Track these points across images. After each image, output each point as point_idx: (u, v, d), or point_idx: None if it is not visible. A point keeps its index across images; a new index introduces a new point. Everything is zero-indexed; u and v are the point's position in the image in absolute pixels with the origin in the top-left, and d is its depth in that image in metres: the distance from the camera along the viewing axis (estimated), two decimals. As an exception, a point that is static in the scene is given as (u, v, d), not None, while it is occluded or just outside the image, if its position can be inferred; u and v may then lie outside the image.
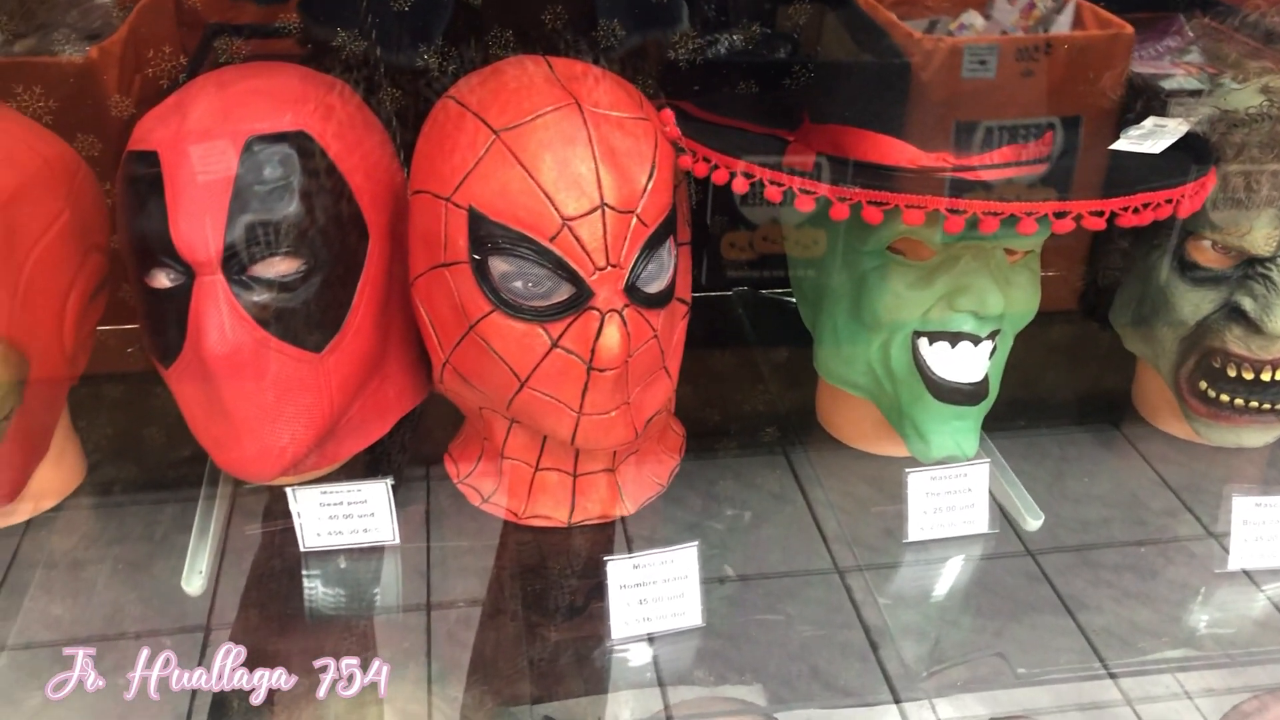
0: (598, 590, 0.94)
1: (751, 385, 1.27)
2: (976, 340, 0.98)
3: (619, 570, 0.89)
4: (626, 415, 0.94)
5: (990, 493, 1.05)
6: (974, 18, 1.20)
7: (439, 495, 1.06)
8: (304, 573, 0.99)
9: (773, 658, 0.93)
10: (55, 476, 1.02)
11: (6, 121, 0.92)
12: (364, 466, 1.07)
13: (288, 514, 0.98)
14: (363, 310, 0.94)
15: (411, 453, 1.08)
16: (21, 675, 0.91)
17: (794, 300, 1.15)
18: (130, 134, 0.91)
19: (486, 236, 0.88)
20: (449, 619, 0.98)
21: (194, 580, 0.96)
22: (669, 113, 0.95)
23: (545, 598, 0.99)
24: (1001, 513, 1.08)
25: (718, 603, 0.97)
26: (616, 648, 0.92)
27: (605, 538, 1.04)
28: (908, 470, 1.02)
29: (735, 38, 1.25)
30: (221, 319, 0.87)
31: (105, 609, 0.97)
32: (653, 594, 0.90)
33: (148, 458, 1.12)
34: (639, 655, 0.92)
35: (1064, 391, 1.32)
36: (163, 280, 0.89)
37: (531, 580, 1.00)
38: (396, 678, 0.98)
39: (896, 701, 0.91)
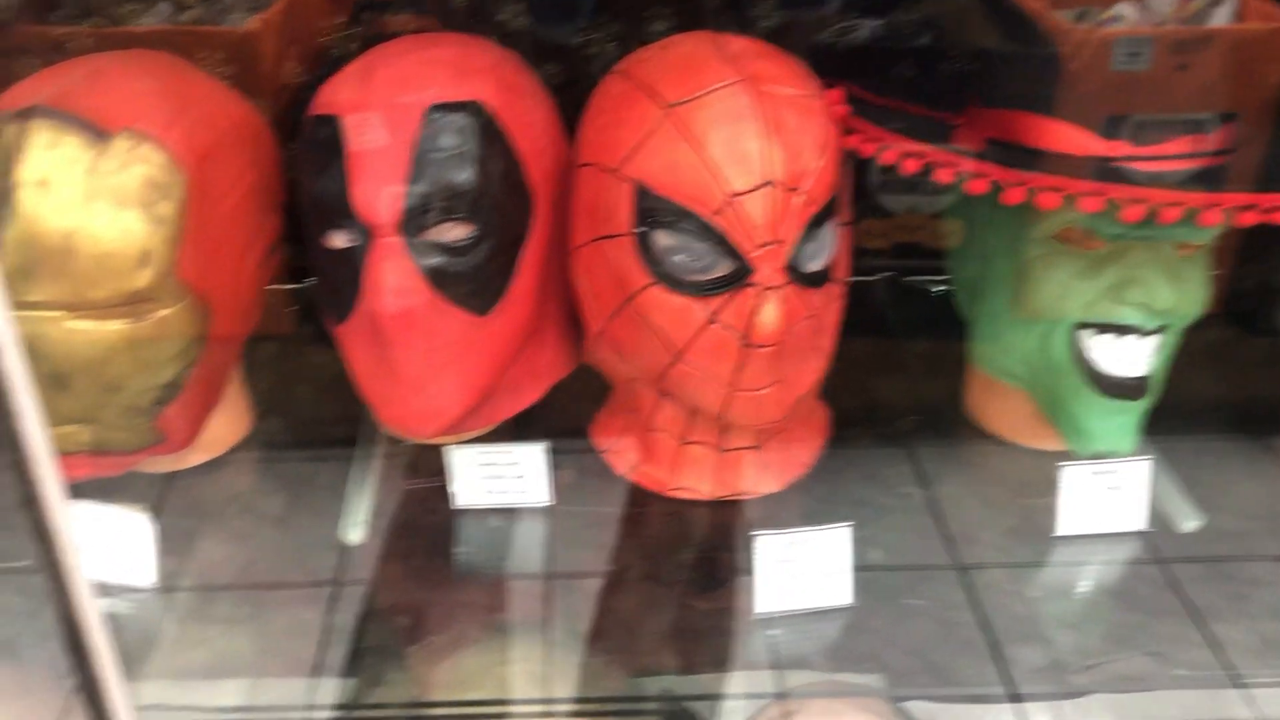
0: (736, 565, 0.95)
1: (891, 374, 1.26)
2: (1143, 333, 0.96)
3: (769, 546, 0.90)
4: (778, 393, 0.94)
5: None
6: (1126, 8, 1.16)
7: (586, 463, 1.08)
8: (454, 530, 1.02)
9: (897, 648, 0.93)
10: (225, 427, 1.08)
11: (203, 84, 0.97)
12: (511, 431, 1.10)
13: (441, 472, 1.02)
14: (525, 276, 0.97)
15: (561, 420, 1.10)
16: (180, 615, 0.97)
17: (937, 289, 1.14)
18: (297, 100, 0.96)
19: (651, 210, 0.89)
20: (587, 585, 1.00)
21: (353, 531, 1.00)
22: (838, 91, 0.95)
23: (684, 569, 1.00)
24: (1153, 513, 1.05)
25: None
26: (753, 625, 0.93)
27: (741, 514, 1.05)
28: (1062, 464, 0.99)
29: (881, 22, 1.24)
30: (395, 280, 0.90)
31: (262, 555, 1.02)
32: (801, 571, 0.91)
33: (305, 415, 1.18)
34: (772, 634, 0.93)
35: (1208, 397, 1.28)
36: (340, 241, 0.93)
37: (670, 551, 1.02)
38: (529, 639, 1.01)
39: (1018, 700, 0.90)
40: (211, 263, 0.94)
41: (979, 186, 0.89)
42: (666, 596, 0.97)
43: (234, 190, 0.95)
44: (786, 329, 0.90)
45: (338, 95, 0.92)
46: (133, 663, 0.78)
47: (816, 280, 0.93)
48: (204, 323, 0.94)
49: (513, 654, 1.04)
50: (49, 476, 0.59)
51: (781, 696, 0.91)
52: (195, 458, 1.06)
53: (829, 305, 0.97)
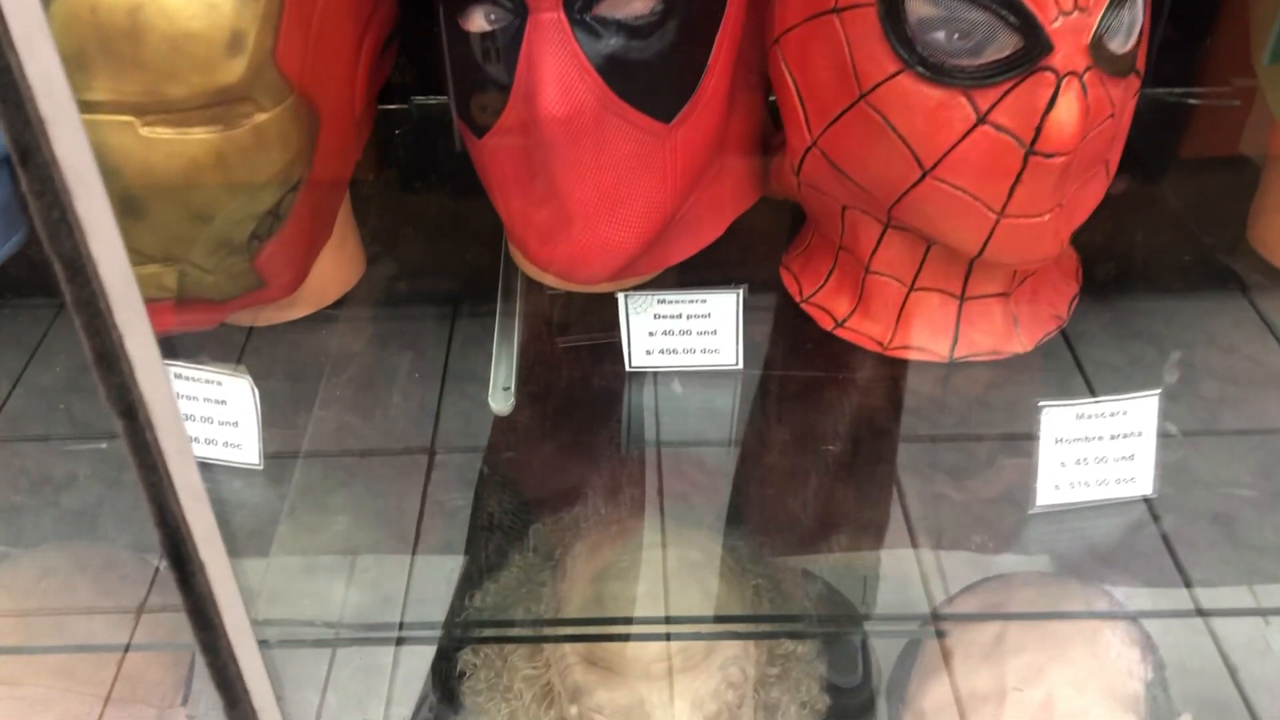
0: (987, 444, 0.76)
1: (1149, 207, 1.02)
2: None
3: (1055, 419, 0.69)
4: (1058, 221, 0.71)
5: None
6: None
7: (780, 315, 0.87)
8: (624, 394, 0.83)
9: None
10: (336, 269, 0.88)
11: None
12: (675, 277, 0.90)
13: (603, 328, 0.82)
14: (717, 73, 0.74)
15: (743, 262, 0.89)
16: (294, 480, 0.81)
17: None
18: None
19: (905, -33, 0.66)
20: (780, 461, 0.81)
21: (501, 398, 0.81)
22: None
23: (900, 445, 0.81)
24: None
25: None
26: (1027, 521, 0.73)
27: (982, 380, 0.84)
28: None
29: None
30: (562, 69, 0.68)
31: (388, 419, 0.84)
32: (1092, 452, 0.70)
33: (423, 258, 0.98)
34: (1050, 532, 0.73)
35: None
36: (481, 22, 0.71)
37: (889, 423, 0.82)
38: (690, 521, 0.83)
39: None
40: (319, 53, 0.72)
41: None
42: (896, 481, 0.78)
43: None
44: (1085, 131, 0.67)
45: None
46: (237, 540, 0.62)
47: (1123, 66, 0.69)
48: (311, 132, 0.73)
49: (674, 539, 0.88)
50: (136, 323, 0.40)
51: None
52: (303, 306, 0.87)
53: (1127, 103, 0.73)
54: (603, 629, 0.82)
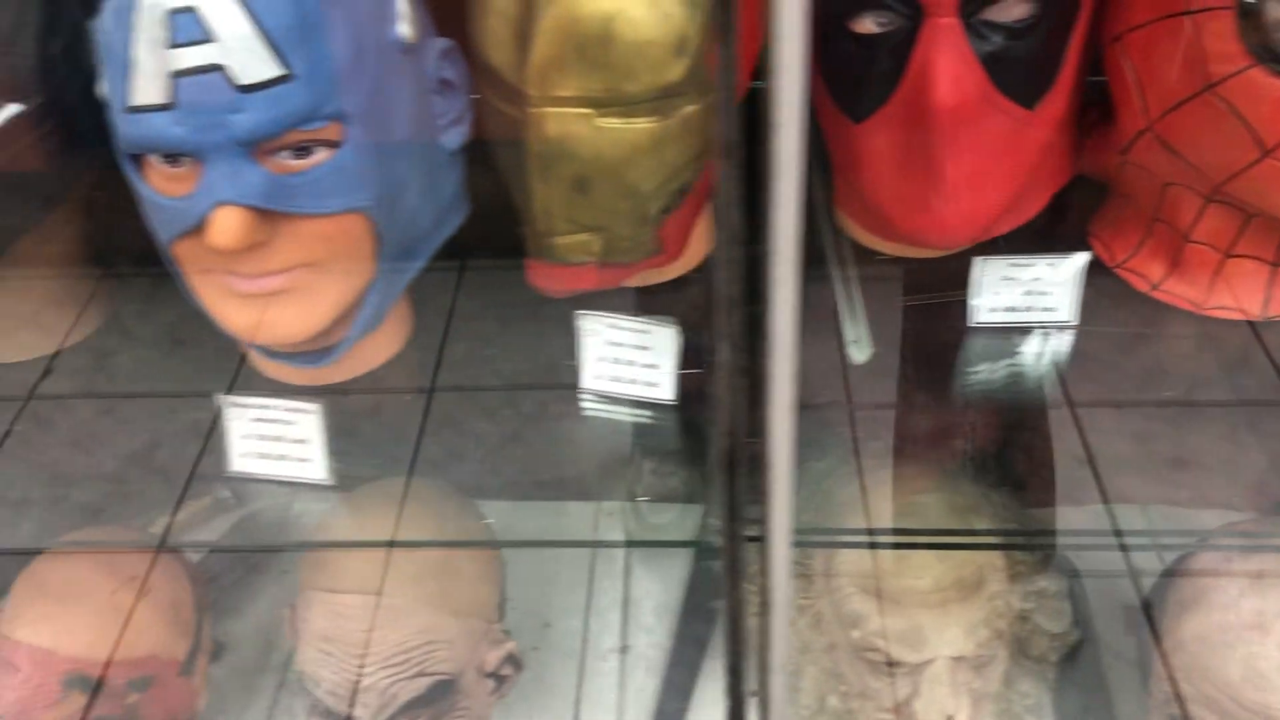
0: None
1: None
2: None
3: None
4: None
5: None
6: None
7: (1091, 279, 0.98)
8: (962, 350, 0.95)
9: None
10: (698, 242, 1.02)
11: None
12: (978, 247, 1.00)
13: (946, 286, 0.94)
14: (1070, 65, 0.85)
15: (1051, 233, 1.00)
16: None
17: None
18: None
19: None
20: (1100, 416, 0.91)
21: (857, 349, 0.94)
22: None
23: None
24: None
25: None
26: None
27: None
28: None
29: None
30: (954, 66, 0.80)
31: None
32: None
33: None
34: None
35: None
36: (870, 25, 0.83)
37: (1214, 376, 0.92)
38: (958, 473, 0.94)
39: None
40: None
41: None
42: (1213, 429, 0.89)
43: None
44: None
45: None
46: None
47: None
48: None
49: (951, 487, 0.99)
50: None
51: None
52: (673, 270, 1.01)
53: None
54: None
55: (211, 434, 0.90)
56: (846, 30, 0.84)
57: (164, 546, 1.18)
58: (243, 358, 0.93)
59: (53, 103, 0.81)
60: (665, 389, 0.87)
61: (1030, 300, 0.91)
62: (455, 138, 0.86)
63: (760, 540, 0.64)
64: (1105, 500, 0.91)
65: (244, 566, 1.41)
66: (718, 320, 0.55)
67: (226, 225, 0.73)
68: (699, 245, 1.02)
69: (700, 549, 1.10)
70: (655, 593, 1.24)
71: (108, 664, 1.01)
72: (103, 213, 1.01)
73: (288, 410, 0.79)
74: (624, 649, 1.26)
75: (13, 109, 0.79)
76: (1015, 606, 1.06)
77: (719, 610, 1.23)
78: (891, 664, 1.02)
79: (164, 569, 1.11)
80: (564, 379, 0.90)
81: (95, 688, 1.03)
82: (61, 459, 0.99)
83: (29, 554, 1.02)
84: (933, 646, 0.97)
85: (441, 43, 0.83)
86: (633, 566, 1.36)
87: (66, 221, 0.92)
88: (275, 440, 0.79)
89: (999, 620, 1.04)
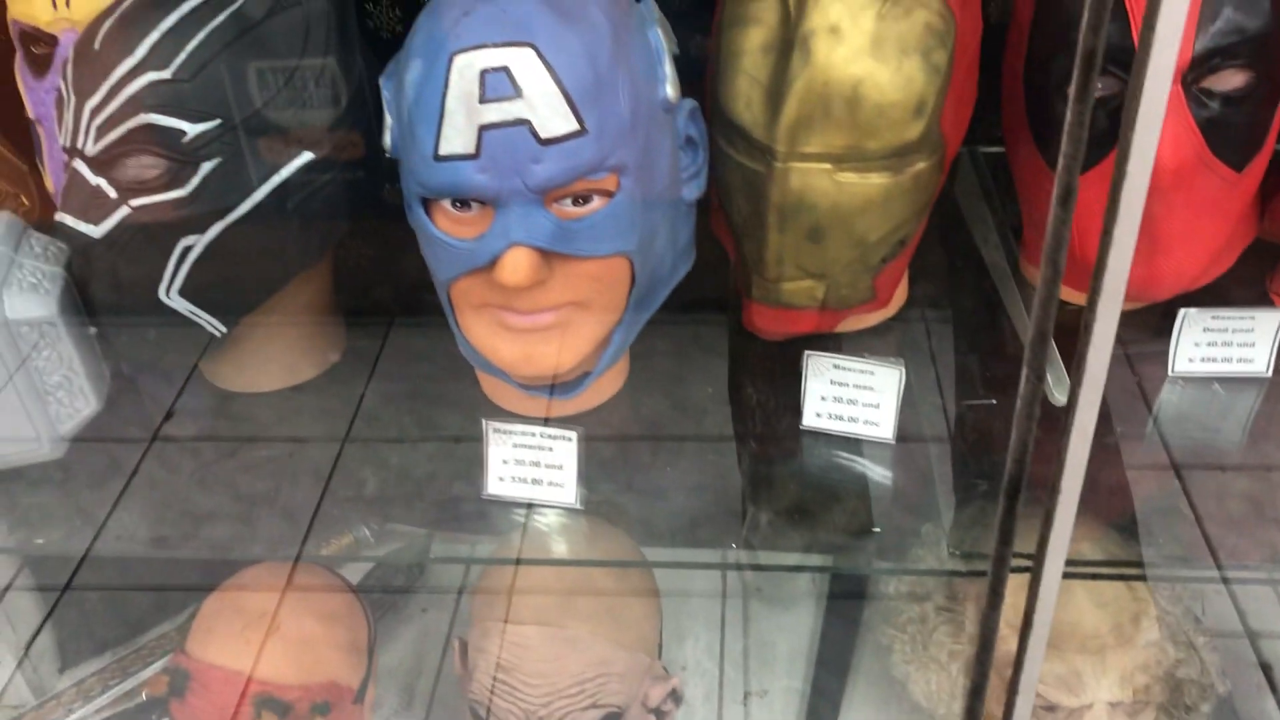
0: None
1: None
2: None
3: None
4: None
5: None
6: None
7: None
8: (1159, 398, 0.99)
9: None
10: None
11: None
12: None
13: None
14: (1274, 131, 0.92)
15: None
16: None
17: None
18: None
19: None
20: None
21: (1058, 390, 0.98)
22: None
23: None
24: None
25: None
26: None
27: None
28: None
29: None
30: (1176, 131, 0.86)
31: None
32: None
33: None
34: None
35: None
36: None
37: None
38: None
39: None
40: (957, 115, 0.92)
41: None
42: None
43: (974, 37, 0.93)
44: None
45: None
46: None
47: None
48: (941, 177, 0.94)
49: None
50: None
51: None
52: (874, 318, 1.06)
53: None
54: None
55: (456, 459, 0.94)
56: (1067, 93, 0.91)
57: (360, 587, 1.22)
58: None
59: (336, 154, 0.88)
60: (885, 428, 0.92)
61: (1229, 352, 0.96)
62: (694, 190, 0.93)
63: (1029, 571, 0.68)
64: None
65: (381, 607, 1.47)
66: (1030, 354, 0.60)
67: (518, 264, 0.80)
68: (901, 294, 1.08)
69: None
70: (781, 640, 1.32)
71: (295, 688, 1.07)
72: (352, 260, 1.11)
73: (546, 437, 0.84)
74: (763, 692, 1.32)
75: (306, 156, 0.87)
76: (1170, 655, 1.09)
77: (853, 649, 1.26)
78: (1050, 708, 1.05)
79: (344, 600, 1.17)
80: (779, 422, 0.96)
81: (284, 711, 1.08)
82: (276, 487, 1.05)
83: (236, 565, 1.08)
84: (1091, 691, 1.01)
85: (689, 103, 0.90)
86: (755, 612, 1.41)
87: (325, 267, 1.00)
88: (533, 465, 0.85)
89: (1154, 668, 1.07)
